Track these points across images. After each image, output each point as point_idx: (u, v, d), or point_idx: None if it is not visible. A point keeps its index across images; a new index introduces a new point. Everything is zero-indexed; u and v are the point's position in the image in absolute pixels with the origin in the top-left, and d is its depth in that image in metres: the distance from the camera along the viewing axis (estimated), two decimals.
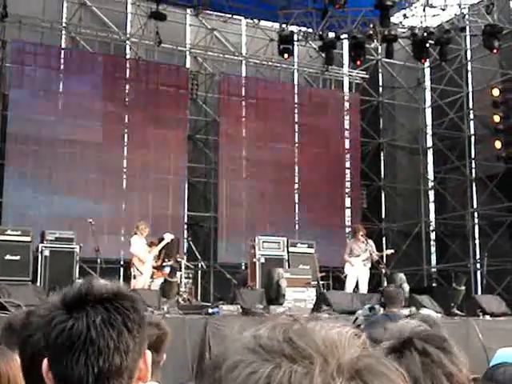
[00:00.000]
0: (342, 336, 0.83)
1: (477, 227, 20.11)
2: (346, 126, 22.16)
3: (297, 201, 20.74)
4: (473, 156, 20.32)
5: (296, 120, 21.28)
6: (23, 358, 1.93)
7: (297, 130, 21.20)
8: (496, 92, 18.64)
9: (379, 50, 21.69)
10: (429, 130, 22.24)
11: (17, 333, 2.04)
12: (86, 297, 1.55)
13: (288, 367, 0.79)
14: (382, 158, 22.57)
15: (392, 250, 16.75)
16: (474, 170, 20.24)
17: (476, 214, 20.07)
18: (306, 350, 0.80)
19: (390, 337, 1.56)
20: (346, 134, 22.08)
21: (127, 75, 19.46)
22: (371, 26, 17.81)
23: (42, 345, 1.93)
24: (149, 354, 1.64)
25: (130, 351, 1.55)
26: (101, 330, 1.52)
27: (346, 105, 22.31)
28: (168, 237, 13.86)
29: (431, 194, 22.00)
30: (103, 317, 1.53)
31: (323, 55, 19.25)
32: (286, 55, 17.72)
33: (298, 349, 0.80)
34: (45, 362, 1.57)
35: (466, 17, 18.66)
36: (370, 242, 14.81)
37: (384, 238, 21.52)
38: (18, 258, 13.53)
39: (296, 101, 21.48)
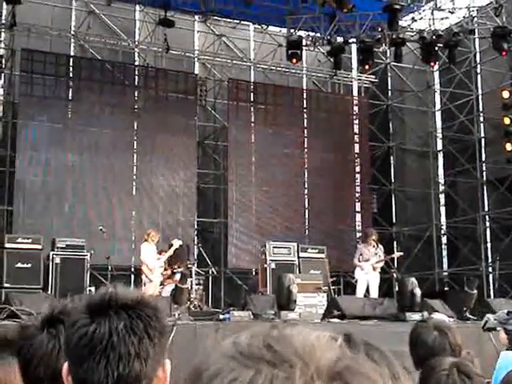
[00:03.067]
0: (320, 340, 0.84)
1: (488, 230, 20.01)
2: (356, 130, 22.12)
3: (307, 206, 20.70)
4: (483, 159, 20.24)
5: (305, 125, 21.26)
6: (21, 365, 1.93)
7: (306, 134, 21.17)
8: (506, 94, 18.56)
9: (388, 54, 21.64)
10: (439, 133, 22.16)
11: (13, 342, 2.03)
12: (110, 303, 1.55)
13: (269, 372, 0.79)
14: (391, 161, 22.50)
15: (401, 253, 16.68)
16: (484, 173, 20.15)
17: (487, 217, 19.97)
18: (286, 354, 0.80)
19: None
20: (356, 138, 22.03)
21: (136, 82, 19.50)
22: (379, 29, 17.78)
23: (31, 353, 1.93)
24: (168, 362, 1.64)
25: (149, 358, 1.55)
26: (122, 336, 1.52)
27: (356, 109, 22.27)
28: (176, 243, 13.86)
29: (442, 197, 21.92)
30: (125, 323, 1.54)
31: (332, 60, 19.22)
32: (294, 60, 17.69)
33: (278, 354, 0.81)
34: (65, 365, 1.57)
35: (475, 19, 18.60)
36: (380, 246, 14.77)
37: (395, 242, 21.43)
38: (29, 265, 13.59)
39: (305, 106, 21.46)
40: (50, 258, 13.91)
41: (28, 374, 1.92)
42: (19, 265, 13.51)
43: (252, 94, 20.63)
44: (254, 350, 0.82)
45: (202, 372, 0.83)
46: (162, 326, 1.60)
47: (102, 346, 1.51)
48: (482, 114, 20.46)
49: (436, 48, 17.72)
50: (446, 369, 2.62)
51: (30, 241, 13.87)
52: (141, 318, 1.55)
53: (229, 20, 20.15)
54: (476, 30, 18.50)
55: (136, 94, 19.43)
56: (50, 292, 13.23)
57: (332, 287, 15.22)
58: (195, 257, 17.01)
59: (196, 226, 19.51)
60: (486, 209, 19.94)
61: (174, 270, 13.82)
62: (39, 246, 13.91)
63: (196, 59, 20.74)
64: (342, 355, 0.82)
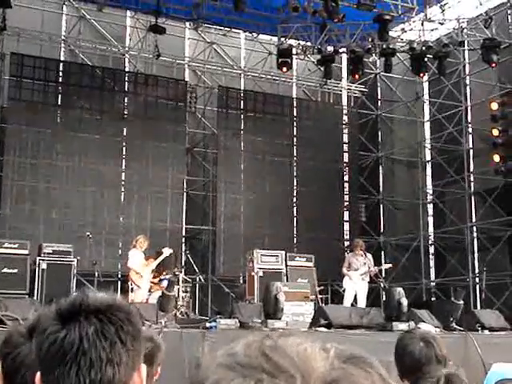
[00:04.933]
0: (312, 350, 0.85)
1: (476, 241, 20.07)
2: (345, 139, 22.19)
3: (295, 214, 20.71)
4: (471, 170, 20.31)
5: (294, 133, 21.29)
6: (6, 373, 1.91)
7: (295, 143, 21.21)
8: (494, 106, 18.66)
9: (378, 64, 21.73)
10: (427, 144, 22.23)
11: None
12: (80, 308, 1.51)
13: (269, 382, 0.79)
14: (380, 171, 22.55)
15: (390, 265, 16.73)
16: (472, 184, 20.22)
17: (475, 228, 20.03)
18: (283, 364, 0.81)
19: None
20: (345, 147, 22.11)
21: (126, 88, 19.48)
22: (370, 40, 17.85)
23: (17, 361, 1.90)
24: (144, 367, 1.60)
25: (122, 363, 1.51)
26: (93, 341, 1.48)
27: (345, 118, 22.35)
28: (167, 251, 13.83)
29: (430, 207, 21.97)
30: (96, 327, 1.49)
31: (322, 69, 19.26)
32: (284, 69, 17.72)
33: (276, 364, 0.81)
34: (38, 374, 1.53)
35: (465, 31, 18.69)
36: (369, 255, 14.79)
37: (382, 252, 21.47)
38: (15, 270, 13.50)
39: (294, 114, 21.50)
40: (37, 263, 13.83)
41: (14, 382, 1.89)
42: (5, 270, 13.43)
43: (242, 101, 20.65)
44: (251, 360, 0.82)
45: (201, 383, 0.83)
46: (136, 330, 1.55)
47: (73, 352, 1.47)
48: (470, 126, 20.55)
49: (425, 59, 17.80)
50: (434, 376, 2.63)
51: (16, 246, 13.78)
52: (112, 322, 1.51)
53: (220, 28, 20.17)
54: (465, 42, 18.58)
55: (126, 100, 19.41)
56: (35, 298, 13.14)
57: (319, 296, 15.21)
58: (183, 264, 16.96)
59: (184, 233, 19.47)
60: (474, 220, 19.99)
61: (161, 277, 13.78)
62: (26, 252, 13.82)
63: (186, 66, 20.75)
64: (334, 365, 0.83)
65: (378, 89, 22.82)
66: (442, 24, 18.42)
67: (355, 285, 14.41)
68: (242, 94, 20.79)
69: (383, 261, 19.90)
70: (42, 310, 2.01)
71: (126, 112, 19.26)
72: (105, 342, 1.49)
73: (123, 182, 18.82)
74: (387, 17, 16.30)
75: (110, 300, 1.56)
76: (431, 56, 17.82)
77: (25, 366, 1.87)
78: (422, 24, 18.47)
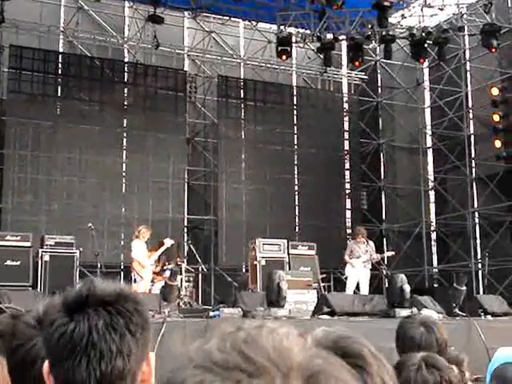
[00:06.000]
0: (289, 340, 0.83)
1: (478, 227, 20.06)
2: (346, 127, 22.16)
3: (297, 202, 20.71)
4: (473, 156, 20.27)
5: (295, 122, 21.26)
6: (13, 367, 1.90)
7: (296, 131, 21.18)
8: (495, 91, 18.62)
9: (377, 51, 21.67)
10: (428, 130, 22.20)
11: (4, 339, 1.99)
12: (88, 299, 1.52)
13: (248, 383, 0.78)
14: (381, 158, 22.53)
15: (393, 252, 16.74)
16: (474, 170, 20.19)
17: (477, 214, 20.01)
18: (261, 361, 0.79)
19: None
20: (346, 135, 22.08)
21: (125, 79, 19.44)
22: (369, 26, 17.78)
23: (33, 353, 1.89)
24: (152, 355, 1.61)
25: (132, 354, 1.52)
26: (103, 334, 1.49)
27: (345, 106, 22.31)
28: (168, 242, 13.84)
29: (431, 194, 21.96)
30: (105, 320, 1.50)
31: (321, 56, 19.21)
32: (284, 57, 17.68)
33: (253, 362, 0.79)
34: (46, 364, 1.54)
35: (464, 16, 18.61)
36: (371, 243, 14.81)
37: (385, 239, 21.48)
38: (18, 263, 13.53)
39: (295, 102, 21.46)
40: (39, 255, 13.86)
41: (26, 375, 1.88)
42: (8, 262, 13.46)
43: (242, 90, 20.61)
44: (227, 358, 0.80)
45: None
46: (144, 320, 1.56)
47: (82, 344, 1.48)
48: (471, 111, 20.50)
49: (425, 45, 17.75)
50: (414, 363, 2.64)
51: (18, 238, 13.81)
52: (121, 313, 1.52)
53: (218, 16, 20.10)
54: (465, 27, 18.52)
55: (125, 91, 19.37)
56: (39, 289, 13.18)
57: (322, 284, 15.24)
58: (185, 254, 16.98)
59: (186, 223, 19.48)
60: (476, 205, 19.98)
61: (164, 267, 13.80)
62: (28, 244, 13.85)
63: (186, 56, 20.69)
64: (313, 355, 0.82)
65: (378, 76, 22.77)
66: (441, 9, 18.34)
67: (358, 272, 14.43)
68: (241, 83, 20.75)
69: (385, 248, 19.93)
70: (48, 301, 1.99)
71: (125, 103, 19.23)
72: (114, 334, 1.50)
73: (124, 173, 18.81)
74: (386, 3, 16.23)
75: (117, 290, 1.56)
76: (431, 42, 17.77)
77: (41, 358, 1.86)
78: (422, 10, 18.41)
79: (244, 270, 17.66)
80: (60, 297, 1.57)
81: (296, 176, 20.86)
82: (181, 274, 14.13)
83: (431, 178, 21.96)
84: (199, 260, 16.72)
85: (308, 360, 0.80)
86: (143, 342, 1.55)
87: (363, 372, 1.18)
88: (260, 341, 0.82)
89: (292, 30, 18.46)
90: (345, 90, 22.68)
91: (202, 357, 0.81)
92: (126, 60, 19.95)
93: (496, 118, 18.49)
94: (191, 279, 15.93)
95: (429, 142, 22.23)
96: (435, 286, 20.28)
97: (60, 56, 18.78)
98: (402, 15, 19.00)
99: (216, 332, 0.85)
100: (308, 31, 18.48)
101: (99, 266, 13.34)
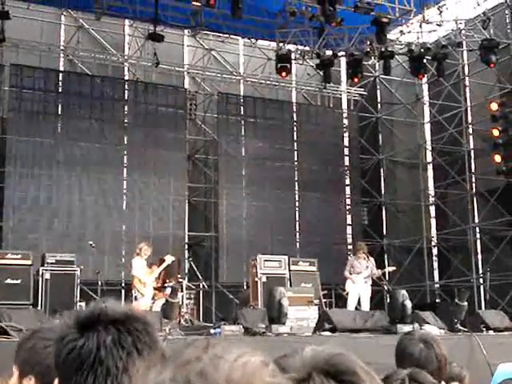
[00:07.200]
0: (245, 369, 0.82)
1: (478, 242, 20.05)
2: (346, 143, 22.21)
3: (297, 218, 20.70)
4: (473, 170, 20.31)
5: (295, 138, 21.31)
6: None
7: (296, 147, 21.23)
8: (494, 106, 18.65)
9: (377, 67, 21.76)
10: (428, 146, 22.25)
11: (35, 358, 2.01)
12: (99, 317, 1.54)
13: None
14: (381, 174, 22.56)
15: (394, 267, 16.71)
16: (474, 185, 20.22)
17: (477, 229, 20.01)
18: None
19: None
20: (346, 151, 22.12)
21: (126, 97, 19.51)
22: (368, 43, 17.87)
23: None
24: None
25: (138, 373, 1.52)
26: (110, 350, 1.50)
27: (345, 122, 22.37)
28: (169, 259, 13.81)
29: (432, 209, 21.97)
30: (114, 337, 1.51)
31: (321, 73, 19.28)
32: (283, 74, 17.74)
33: None
34: (56, 381, 1.56)
35: (463, 32, 18.71)
36: (371, 259, 14.80)
37: (386, 255, 21.46)
38: (18, 281, 13.48)
39: (295, 119, 21.52)
40: (40, 273, 13.82)
41: None
42: (9, 281, 13.41)
43: (242, 107, 20.68)
44: None
45: None
46: (153, 341, 1.57)
47: (90, 360, 1.49)
48: (471, 126, 20.56)
49: (424, 61, 17.82)
50: (399, 378, 2.65)
51: (19, 256, 13.76)
52: (130, 332, 1.53)
53: (218, 34, 20.21)
54: (464, 43, 18.62)
55: (126, 109, 19.44)
56: (39, 308, 13.14)
57: (323, 300, 15.20)
58: (186, 271, 16.97)
59: (187, 240, 19.47)
60: (477, 220, 19.98)
61: (165, 285, 13.77)
62: (29, 262, 13.81)
63: (186, 73, 20.78)
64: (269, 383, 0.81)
65: (378, 91, 22.85)
66: (439, 25, 18.42)
67: (358, 288, 14.40)
68: (241, 100, 20.83)
69: (386, 264, 19.88)
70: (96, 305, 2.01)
71: (126, 120, 19.30)
72: (122, 352, 1.51)
73: (125, 190, 18.84)
74: (385, 19, 16.30)
75: (129, 310, 1.58)
76: (430, 58, 17.83)
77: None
78: (420, 26, 18.49)
79: (245, 287, 17.63)
80: (72, 314, 1.59)
81: (296, 192, 20.87)
82: (182, 291, 14.09)
83: (431, 193, 21.98)
84: (200, 277, 16.72)
85: None
86: (151, 363, 1.56)
87: None
88: (214, 372, 0.81)
89: (291, 46, 18.54)
90: (344, 105, 22.76)
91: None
92: (127, 78, 20.04)
93: (496, 132, 18.51)
94: (192, 296, 15.91)
95: (429, 158, 22.26)
96: (437, 301, 20.22)
97: (60, 74, 18.86)
98: (401, 31, 19.10)
99: (176, 360, 0.84)
100: (307, 48, 18.58)
101: (100, 283, 13.32)
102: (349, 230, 21.48)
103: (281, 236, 19.71)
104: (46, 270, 13.89)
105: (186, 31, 20.50)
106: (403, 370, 2.75)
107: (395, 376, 2.68)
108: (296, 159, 21.11)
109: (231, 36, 20.41)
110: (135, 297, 13.49)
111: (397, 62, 19.83)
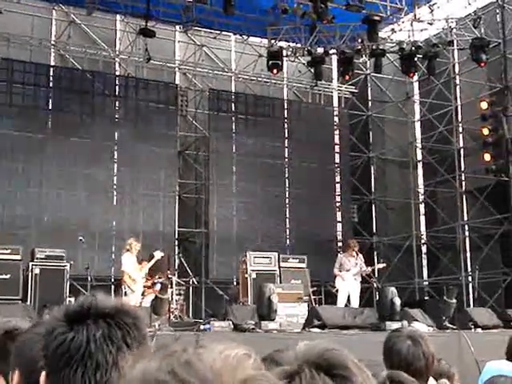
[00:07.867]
0: (228, 361, 0.84)
1: (468, 240, 20.13)
2: (336, 140, 22.23)
3: (287, 215, 20.74)
4: (462, 169, 20.38)
5: (286, 135, 21.33)
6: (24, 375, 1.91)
7: (287, 144, 21.24)
8: (484, 105, 18.74)
9: (368, 65, 21.80)
10: (418, 144, 22.30)
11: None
12: (89, 311, 1.53)
13: None
14: (372, 171, 22.62)
15: (384, 264, 16.76)
16: (463, 183, 20.28)
17: (467, 227, 20.09)
18: (192, 381, 0.81)
19: None
20: (336, 148, 22.15)
21: (116, 92, 19.46)
22: (359, 40, 17.91)
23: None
24: None
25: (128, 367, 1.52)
26: (100, 345, 1.49)
27: (336, 119, 22.40)
28: (158, 254, 13.83)
29: (422, 207, 22.04)
30: (103, 331, 1.51)
31: (312, 70, 19.30)
32: (275, 71, 17.74)
33: (184, 382, 0.81)
34: (43, 374, 1.55)
35: (454, 31, 18.77)
36: (360, 256, 14.84)
37: (375, 252, 21.52)
38: (7, 276, 13.46)
39: (285, 116, 21.54)
40: (30, 268, 13.80)
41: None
42: None
43: (233, 104, 20.69)
44: (159, 376, 0.82)
45: None
46: (142, 335, 1.56)
47: (79, 354, 1.48)
48: (460, 125, 20.62)
49: (415, 59, 17.86)
50: (379, 382, 2.67)
51: (8, 251, 13.74)
52: (119, 326, 1.53)
53: (210, 30, 20.17)
54: (455, 42, 18.66)
55: (117, 104, 19.40)
56: (29, 303, 13.11)
57: (313, 297, 15.24)
58: (176, 267, 16.96)
59: (177, 236, 19.47)
60: (466, 218, 20.06)
61: (155, 281, 13.78)
62: (18, 257, 13.79)
63: (177, 69, 20.75)
64: (251, 375, 0.83)
65: (369, 89, 22.88)
66: (431, 24, 18.48)
67: (348, 285, 14.45)
68: (232, 97, 20.83)
69: (376, 261, 19.93)
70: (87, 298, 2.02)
71: (117, 116, 19.26)
72: (111, 346, 1.51)
73: (115, 186, 18.81)
74: (376, 18, 16.35)
75: (118, 304, 1.57)
76: (421, 56, 17.87)
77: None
78: (411, 24, 18.53)
79: (235, 283, 17.65)
80: (62, 308, 1.58)
81: (287, 189, 20.90)
82: (171, 287, 14.11)
83: (421, 191, 22.05)
84: (190, 273, 16.70)
85: (245, 380, 0.82)
86: (140, 357, 1.56)
87: (348, 382, 1.20)
88: (197, 363, 0.83)
89: (283, 44, 18.54)
90: (335, 103, 22.79)
91: (141, 373, 0.85)
92: (118, 73, 20.00)
93: (485, 131, 18.60)
94: (182, 292, 15.90)
95: (419, 156, 22.32)
96: (425, 298, 20.29)
97: (51, 69, 18.81)
98: (392, 30, 19.14)
99: (163, 352, 0.87)
100: (299, 45, 18.59)
101: (90, 279, 13.31)
102: (339, 227, 21.54)
103: (271, 233, 19.74)
104: (36, 265, 13.87)
105: (177, 27, 20.46)
106: (382, 371, 2.77)
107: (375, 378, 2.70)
108: (286, 156, 21.12)
109: (223, 32, 20.38)
110: (125, 292, 13.50)
111: (388, 60, 19.85)
